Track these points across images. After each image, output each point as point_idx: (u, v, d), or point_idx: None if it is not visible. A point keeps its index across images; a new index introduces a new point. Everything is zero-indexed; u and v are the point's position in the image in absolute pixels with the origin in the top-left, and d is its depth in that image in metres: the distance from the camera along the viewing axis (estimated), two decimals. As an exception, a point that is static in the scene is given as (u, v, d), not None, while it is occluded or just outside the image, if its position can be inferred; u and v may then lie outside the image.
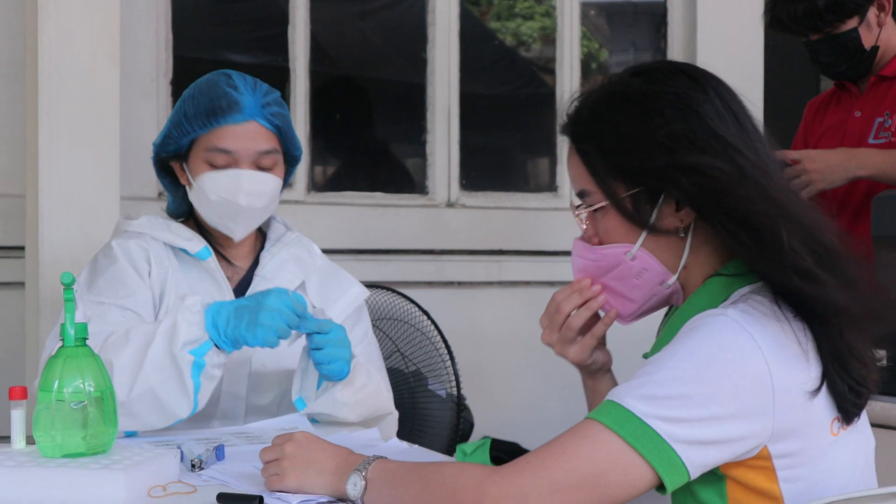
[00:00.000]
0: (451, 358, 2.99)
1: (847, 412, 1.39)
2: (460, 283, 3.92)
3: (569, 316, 1.56)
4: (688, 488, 1.38)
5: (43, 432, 1.52)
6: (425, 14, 4.07)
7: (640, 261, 1.47)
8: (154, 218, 2.19)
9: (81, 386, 1.53)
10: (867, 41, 2.77)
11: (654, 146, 1.40)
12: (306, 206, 3.80)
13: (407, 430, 2.86)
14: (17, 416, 1.61)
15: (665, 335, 1.48)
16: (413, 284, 3.69)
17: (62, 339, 1.56)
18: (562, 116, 1.52)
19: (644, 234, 1.45)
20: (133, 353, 1.87)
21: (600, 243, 1.50)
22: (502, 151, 4.69)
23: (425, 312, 3.04)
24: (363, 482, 1.40)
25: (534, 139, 4.63)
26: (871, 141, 2.75)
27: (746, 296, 1.40)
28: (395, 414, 2.14)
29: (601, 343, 1.61)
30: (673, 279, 1.48)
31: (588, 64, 4.55)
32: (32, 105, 2.94)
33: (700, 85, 1.44)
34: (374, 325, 3.02)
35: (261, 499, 1.43)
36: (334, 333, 1.94)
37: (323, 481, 1.45)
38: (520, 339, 3.95)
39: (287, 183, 2.22)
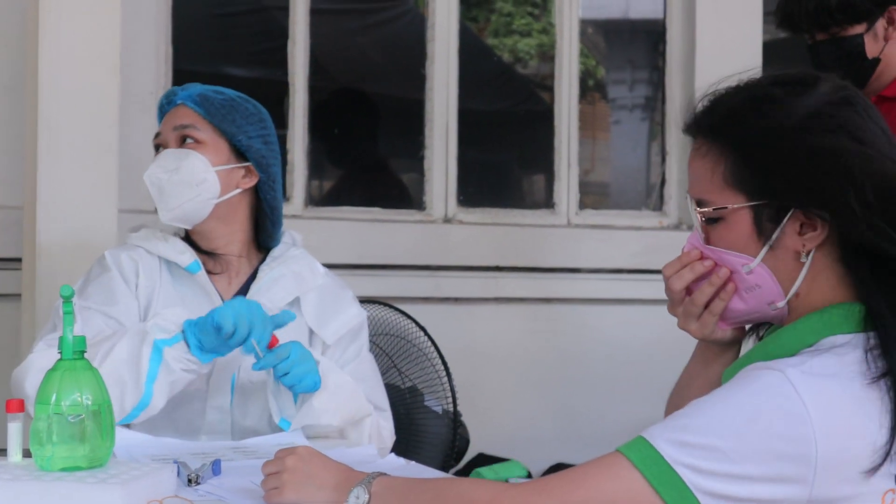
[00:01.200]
0: (448, 374, 2.99)
1: None
2: (457, 299, 3.92)
3: (688, 291, 1.47)
4: None
5: (40, 445, 1.52)
6: (424, 30, 4.07)
7: (756, 276, 1.40)
8: (153, 231, 2.22)
9: (79, 399, 1.52)
10: (871, 51, 2.78)
11: (795, 149, 1.35)
12: (304, 221, 3.79)
13: (402, 446, 2.85)
14: (15, 428, 1.60)
15: (740, 362, 1.43)
16: (410, 300, 3.69)
17: (60, 352, 1.55)
18: (688, 114, 1.45)
19: (766, 249, 1.39)
20: (107, 344, 1.94)
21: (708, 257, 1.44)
22: (500, 167, 4.69)
23: (422, 328, 3.04)
24: (367, 496, 1.40)
25: (531, 156, 4.64)
26: None
27: (834, 349, 1.33)
28: (374, 416, 2.13)
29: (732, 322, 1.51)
30: (783, 303, 1.41)
31: (585, 81, 4.56)
32: (32, 116, 2.94)
33: (849, 101, 1.40)
34: (370, 341, 3.03)
35: (258, 514, 1.43)
36: (293, 353, 1.97)
37: (323, 496, 1.45)
38: (516, 355, 3.95)
39: (279, 194, 2.24)
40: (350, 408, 2.05)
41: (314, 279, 2.24)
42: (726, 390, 1.31)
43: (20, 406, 1.61)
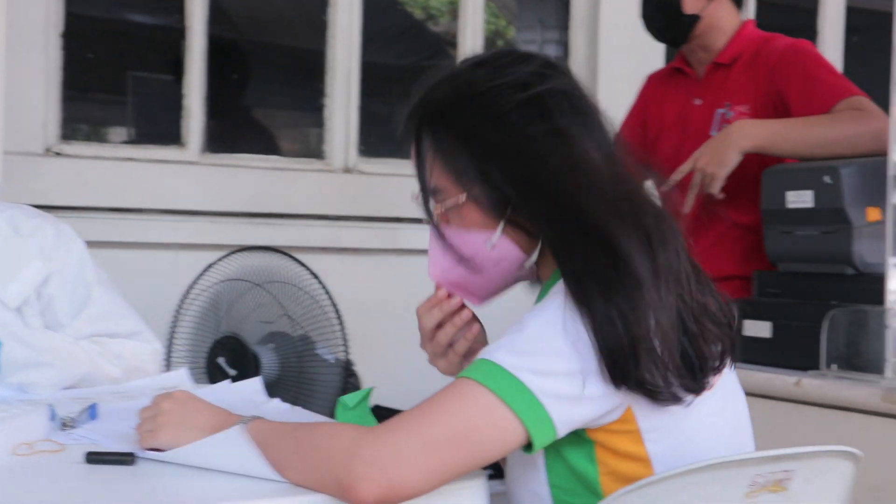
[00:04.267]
0: (341, 322, 2.96)
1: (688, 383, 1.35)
2: (356, 250, 3.88)
3: (436, 329, 1.52)
4: (559, 454, 1.38)
5: None
6: (326, -24, 4.00)
7: (499, 249, 1.44)
8: None
9: (-55, 339, 1.46)
10: (688, 7, 2.72)
11: (510, 137, 1.39)
12: (200, 167, 3.72)
13: (293, 394, 2.82)
14: None
15: None
16: (309, 250, 3.64)
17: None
18: (412, 103, 1.47)
19: (502, 223, 1.42)
20: None
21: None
22: (401, 120, 4.64)
23: (314, 275, 3.00)
24: (239, 440, 1.36)
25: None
26: (712, 133, 2.70)
27: None
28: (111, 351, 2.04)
29: (469, 354, 1.55)
30: (530, 261, 1.45)
31: (494, 41, 4.53)
32: None
33: (545, 75, 1.43)
34: (262, 288, 2.98)
35: (133, 456, 1.39)
36: None
37: (198, 439, 1.41)
38: (413, 306, 3.90)
39: None
40: (61, 377, 1.94)
41: None
42: (545, 302, 1.37)
43: None
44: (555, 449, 1.37)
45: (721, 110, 2.73)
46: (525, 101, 1.40)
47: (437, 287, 1.52)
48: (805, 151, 2.52)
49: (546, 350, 1.31)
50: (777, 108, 2.63)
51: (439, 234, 1.46)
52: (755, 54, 2.72)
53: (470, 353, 1.53)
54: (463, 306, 1.52)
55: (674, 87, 2.86)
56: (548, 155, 1.39)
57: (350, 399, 1.56)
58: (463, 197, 1.42)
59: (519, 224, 1.43)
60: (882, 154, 2.29)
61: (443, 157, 1.44)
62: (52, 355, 1.94)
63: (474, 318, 1.53)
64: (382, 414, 1.39)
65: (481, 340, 1.55)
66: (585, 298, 1.32)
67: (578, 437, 1.36)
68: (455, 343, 1.53)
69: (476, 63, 1.46)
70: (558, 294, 1.36)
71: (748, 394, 1.53)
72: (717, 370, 1.40)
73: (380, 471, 1.26)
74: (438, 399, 1.32)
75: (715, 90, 2.76)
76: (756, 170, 2.55)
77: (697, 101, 2.79)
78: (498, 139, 1.40)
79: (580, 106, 1.43)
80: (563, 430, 1.32)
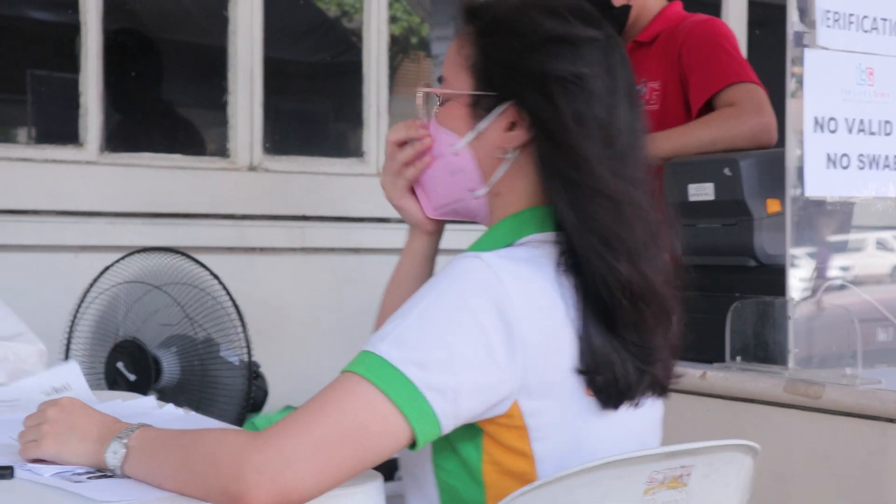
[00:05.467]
0: (243, 324, 2.90)
1: (608, 391, 1.36)
2: (262, 249, 3.82)
3: (398, 147, 1.55)
4: (448, 441, 1.35)
5: None
6: (227, -30, 3.93)
7: (461, 159, 1.45)
8: None
9: None
10: None
11: (529, 55, 1.41)
12: (99, 167, 3.62)
13: (197, 398, 2.75)
14: None
15: None
16: (213, 250, 3.57)
17: None
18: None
19: (473, 134, 1.44)
20: None
21: None
22: (309, 118, 4.60)
23: (215, 276, 2.94)
24: (124, 450, 1.31)
25: (341, 107, 4.55)
26: None
27: (528, 244, 1.39)
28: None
29: (423, 207, 1.57)
30: (482, 191, 1.46)
31: (408, 38, 4.51)
32: None
33: (590, 20, 1.46)
34: (161, 290, 2.91)
35: (11, 469, 1.32)
36: None
37: (84, 448, 1.34)
38: (323, 306, 3.88)
39: None
40: None
41: None
42: (431, 284, 1.34)
43: None
44: (445, 438, 1.34)
45: (637, 87, 2.77)
46: (565, 35, 1.42)
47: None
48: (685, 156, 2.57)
49: (437, 337, 1.28)
50: (682, 84, 2.66)
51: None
52: (672, 32, 2.76)
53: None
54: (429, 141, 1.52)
55: None
56: (589, 97, 1.40)
57: (262, 420, 1.50)
58: (463, 91, 1.45)
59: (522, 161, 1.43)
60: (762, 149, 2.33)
61: (474, 50, 1.46)
62: None
63: (431, 156, 1.52)
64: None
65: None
66: (592, 248, 1.34)
67: (469, 425, 1.33)
68: (406, 169, 1.54)
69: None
70: (461, 265, 1.33)
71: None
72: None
73: (270, 477, 1.21)
74: (324, 396, 1.28)
75: (635, 68, 2.79)
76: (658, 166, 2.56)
77: None
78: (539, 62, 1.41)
79: (611, 61, 1.46)
80: (448, 426, 1.29)
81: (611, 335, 1.35)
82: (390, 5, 4.29)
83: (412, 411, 1.26)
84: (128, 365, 2.79)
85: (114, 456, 1.31)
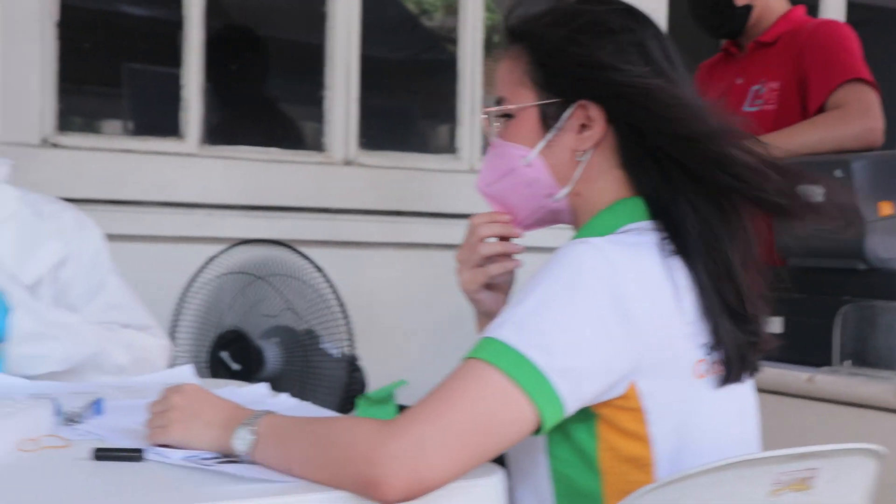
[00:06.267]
0: (345, 316, 2.92)
1: (730, 365, 1.39)
2: (356, 243, 3.84)
3: (481, 242, 1.56)
4: (561, 428, 1.35)
5: None
6: (325, -33, 3.96)
7: (534, 169, 1.48)
8: None
9: (-52, 331, 1.43)
10: None
11: (593, 59, 1.42)
12: (199, 159, 3.68)
13: (299, 389, 2.78)
14: None
15: None
16: (307, 243, 3.60)
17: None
18: (503, 23, 1.53)
19: (543, 142, 1.46)
20: None
21: None
22: (401, 114, 4.63)
23: (319, 269, 2.96)
24: (252, 437, 1.33)
25: (434, 104, 4.57)
26: (745, 108, 2.77)
27: (630, 231, 1.41)
28: (123, 342, 2.02)
29: (500, 290, 1.60)
30: (562, 193, 1.48)
31: (490, 37, 4.51)
32: None
33: (643, 23, 1.48)
34: (265, 281, 2.94)
35: (141, 453, 1.35)
36: None
37: (209, 435, 1.37)
38: (415, 300, 3.90)
39: None
40: (70, 353, 1.93)
41: (4, 208, 2.02)
42: (542, 271, 1.35)
43: None
44: (559, 426, 1.34)
45: (756, 87, 2.78)
46: (627, 40, 1.45)
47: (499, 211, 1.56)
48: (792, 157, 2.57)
49: (556, 319, 1.29)
50: (801, 85, 2.67)
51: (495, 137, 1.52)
52: (795, 33, 2.77)
53: (496, 290, 1.59)
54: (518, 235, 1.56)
55: (720, 70, 2.93)
56: (652, 88, 1.41)
57: (375, 394, 1.52)
58: (527, 104, 1.47)
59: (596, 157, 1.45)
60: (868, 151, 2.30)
61: (530, 65, 1.48)
62: (60, 330, 1.92)
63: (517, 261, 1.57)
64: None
65: (508, 282, 1.60)
66: (699, 245, 1.37)
67: (583, 410, 1.34)
68: (491, 264, 1.56)
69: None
70: (572, 250, 1.35)
71: (760, 390, 1.52)
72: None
73: (405, 464, 1.22)
74: (453, 384, 1.28)
75: (755, 68, 2.82)
76: None
77: (739, 80, 2.84)
78: (599, 61, 1.43)
79: (672, 58, 1.48)
80: (572, 408, 1.30)
81: (720, 313, 1.38)
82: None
83: (538, 395, 1.27)
84: (232, 355, 2.82)
85: (242, 442, 1.33)
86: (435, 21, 4.90)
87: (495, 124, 1.52)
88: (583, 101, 1.44)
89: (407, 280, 3.92)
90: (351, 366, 2.88)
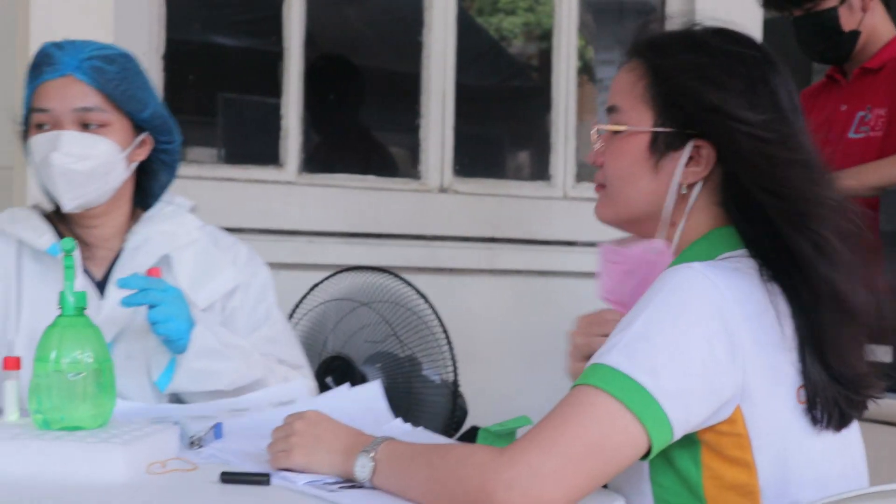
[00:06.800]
0: (449, 343, 2.94)
1: (815, 409, 1.38)
2: (452, 270, 3.87)
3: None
4: (665, 455, 1.36)
5: (39, 404, 1.47)
6: (420, -1, 4.01)
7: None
8: (18, 210, 2.09)
9: (80, 357, 1.48)
10: (847, 23, 2.73)
11: (719, 101, 1.41)
12: (297, 187, 3.74)
13: (401, 415, 2.79)
14: (11, 387, 1.56)
15: None
16: (404, 269, 3.63)
17: (60, 308, 1.50)
18: (636, 35, 1.53)
19: (674, 187, 1.45)
20: None
21: (602, 165, 1.51)
22: (494, 141, 4.65)
23: (423, 297, 2.99)
24: (372, 464, 1.36)
25: (525, 131, 4.59)
26: (850, 135, 2.73)
27: (728, 259, 1.41)
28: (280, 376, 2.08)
29: None
30: (667, 209, 1.47)
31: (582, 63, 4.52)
32: (23, 75, 2.87)
33: (775, 65, 1.47)
34: (370, 308, 2.98)
35: (268, 476, 1.39)
36: (170, 292, 1.90)
37: (331, 460, 1.41)
38: (511, 328, 3.91)
39: (173, 156, 2.10)
40: (240, 374, 1.98)
41: (187, 235, 2.10)
42: (648, 295, 1.36)
43: (16, 363, 1.57)
44: (663, 453, 1.35)
45: (861, 112, 2.74)
46: (759, 84, 1.44)
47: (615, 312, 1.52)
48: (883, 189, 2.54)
49: (664, 343, 1.30)
50: None
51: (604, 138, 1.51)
52: None
53: None
54: None
55: (824, 96, 2.90)
56: (772, 131, 1.40)
57: (497, 428, 1.54)
58: (643, 128, 1.46)
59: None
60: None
61: (652, 87, 1.47)
62: (235, 352, 1.99)
63: None
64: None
65: None
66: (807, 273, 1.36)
67: (687, 437, 1.34)
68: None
69: (715, 31, 1.50)
70: (677, 274, 1.35)
71: (868, 420, 1.50)
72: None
73: (520, 492, 1.24)
74: (564, 410, 1.30)
75: (860, 94, 2.78)
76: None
77: (843, 107, 2.80)
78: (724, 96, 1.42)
79: (795, 103, 1.47)
80: (679, 431, 1.31)
81: (820, 360, 1.37)
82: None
83: (647, 417, 1.28)
84: (336, 380, 2.86)
85: (362, 469, 1.36)
86: (514, 47, 4.92)
87: (601, 131, 1.52)
88: (699, 142, 1.44)
89: (500, 306, 3.93)
90: (453, 392, 2.90)
